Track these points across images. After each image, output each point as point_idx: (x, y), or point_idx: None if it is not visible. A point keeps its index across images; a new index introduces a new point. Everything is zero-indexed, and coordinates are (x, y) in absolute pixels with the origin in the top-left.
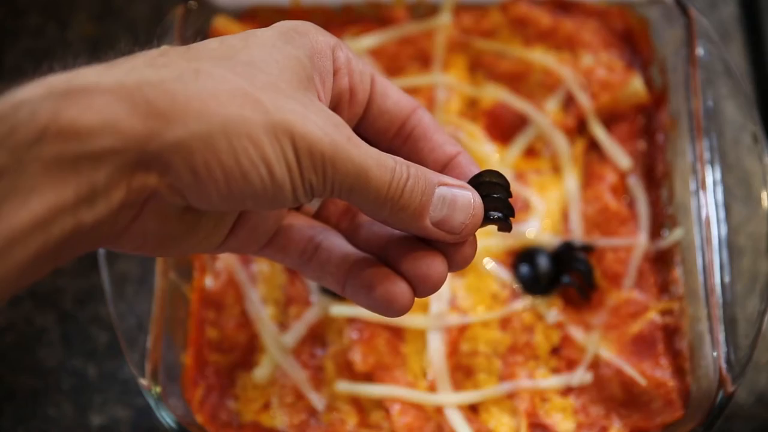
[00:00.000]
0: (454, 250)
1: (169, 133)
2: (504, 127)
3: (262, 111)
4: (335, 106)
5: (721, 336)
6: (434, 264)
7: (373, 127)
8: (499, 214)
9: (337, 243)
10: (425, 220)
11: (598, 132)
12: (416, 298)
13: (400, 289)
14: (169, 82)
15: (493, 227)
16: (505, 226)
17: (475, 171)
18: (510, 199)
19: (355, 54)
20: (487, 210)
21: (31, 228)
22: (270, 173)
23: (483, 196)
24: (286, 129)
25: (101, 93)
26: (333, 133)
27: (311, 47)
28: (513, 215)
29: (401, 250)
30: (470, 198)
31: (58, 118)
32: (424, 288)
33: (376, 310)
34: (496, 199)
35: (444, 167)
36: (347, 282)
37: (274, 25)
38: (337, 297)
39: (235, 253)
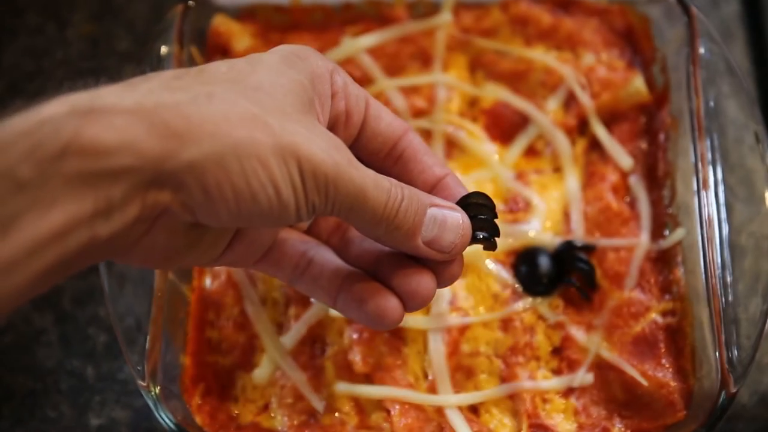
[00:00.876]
0: (443, 267)
1: (184, 153)
2: (504, 126)
3: (271, 133)
4: (332, 127)
5: (723, 336)
6: (423, 281)
7: (366, 148)
8: (485, 234)
9: (329, 258)
10: (417, 240)
11: (600, 131)
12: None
13: (391, 303)
14: (185, 104)
15: (479, 246)
16: (490, 245)
17: (463, 192)
18: (495, 220)
19: (351, 79)
20: (474, 230)
21: (49, 239)
22: (277, 194)
23: (471, 217)
24: (293, 151)
25: (121, 113)
26: (335, 156)
27: (311, 71)
28: (498, 235)
29: (391, 266)
30: (459, 219)
31: (80, 136)
32: (413, 303)
33: (368, 324)
34: (483, 220)
35: (433, 188)
36: (339, 296)
37: (275, 49)
38: None
39: (230, 267)
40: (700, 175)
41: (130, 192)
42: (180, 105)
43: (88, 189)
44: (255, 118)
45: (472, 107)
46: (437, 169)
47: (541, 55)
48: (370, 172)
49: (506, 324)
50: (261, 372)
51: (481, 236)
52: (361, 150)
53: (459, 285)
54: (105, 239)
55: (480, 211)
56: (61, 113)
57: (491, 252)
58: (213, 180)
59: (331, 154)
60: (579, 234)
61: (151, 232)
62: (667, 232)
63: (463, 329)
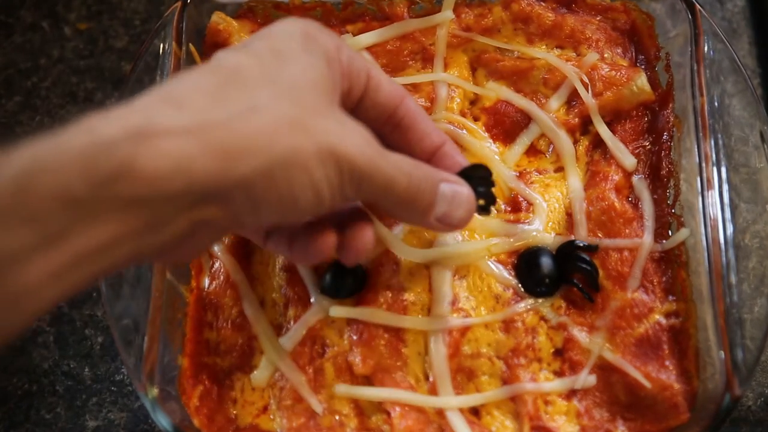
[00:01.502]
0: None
1: (235, 171)
2: (506, 125)
3: (312, 138)
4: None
5: (727, 338)
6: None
7: (363, 117)
8: (484, 204)
9: None
10: (430, 216)
11: (603, 130)
12: (419, 303)
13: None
14: (235, 120)
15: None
16: (486, 213)
17: (461, 160)
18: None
19: (354, 52)
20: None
21: (96, 252)
22: (317, 195)
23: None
24: (332, 152)
25: (176, 136)
26: (368, 151)
27: (325, 53)
28: (494, 203)
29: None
30: (467, 194)
31: (134, 162)
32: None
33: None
34: (483, 192)
35: (431, 156)
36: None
37: (286, 28)
38: (337, 297)
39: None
40: (704, 175)
41: (179, 210)
42: (231, 122)
43: (139, 209)
44: (297, 124)
45: (473, 106)
46: (435, 137)
47: (544, 53)
48: (395, 158)
49: (508, 325)
50: (260, 373)
51: (481, 205)
52: (358, 118)
53: (460, 286)
54: (148, 251)
55: (480, 183)
56: (117, 136)
57: (492, 251)
58: (261, 192)
59: (363, 149)
60: (581, 234)
61: (192, 238)
62: (670, 233)
63: (464, 330)
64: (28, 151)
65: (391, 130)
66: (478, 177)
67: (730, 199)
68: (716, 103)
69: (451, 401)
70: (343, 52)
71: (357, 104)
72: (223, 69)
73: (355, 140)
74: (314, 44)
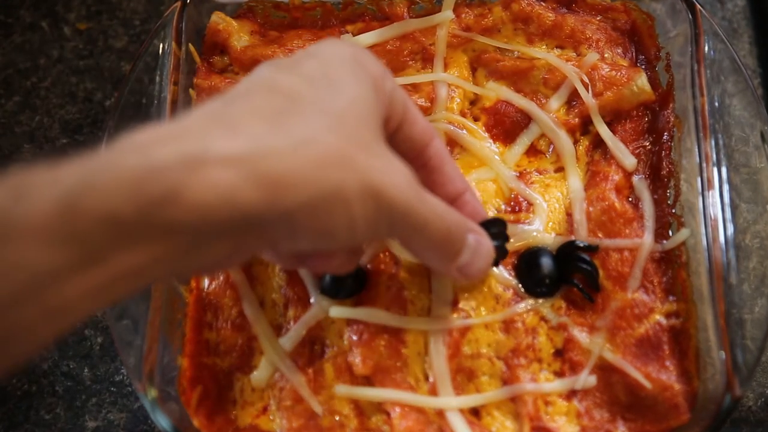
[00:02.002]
0: None
1: (280, 204)
2: (506, 125)
3: (357, 174)
4: None
5: (728, 338)
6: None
7: (398, 148)
8: (494, 259)
9: None
10: (455, 264)
11: (603, 130)
12: (419, 303)
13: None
14: (287, 152)
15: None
16: (494, 265)
17: (481, 210)
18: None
19: (396, 83)
20: None
21: (133, 273)
22: (352, 230)
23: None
24: (374, 191)
25: (226, 166)
26: (407, 192)
27: (373, 82)
28: (504, 258)
29: None
30: (489, 247)
31: (183, 190)
32: None
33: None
34: (496, 246)
35: (453, 202)
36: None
37: (335, 51)
38: (337, 298)
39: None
40: (705, 175)
41: (220, 237)
42: (283, 153)
43: (181, 235)
44: (345, 159)
45: (473, 106)
46: (458, 183)
47: (544, 53)
48: (431, 202)
49: (508, 325)
50: (260, 374)
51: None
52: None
53: (460, 286)
54: (184, 271)
55: (495, 237)
56: (170, 162)
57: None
58: (301, 223)
59: (403, 189)
60: (582, 234)
61: (229, 259)
62: (671, 233)
63: (465, 331)
64: (77, 169)
65: (417, 168)
66: (495, 232)
67: (731, 200)
68: (717, 103)
69: (451, 402)
70: (387, 82)
71: (390, 136)
72: (279, 93)
73: (397, 179)
74: (363, 72)
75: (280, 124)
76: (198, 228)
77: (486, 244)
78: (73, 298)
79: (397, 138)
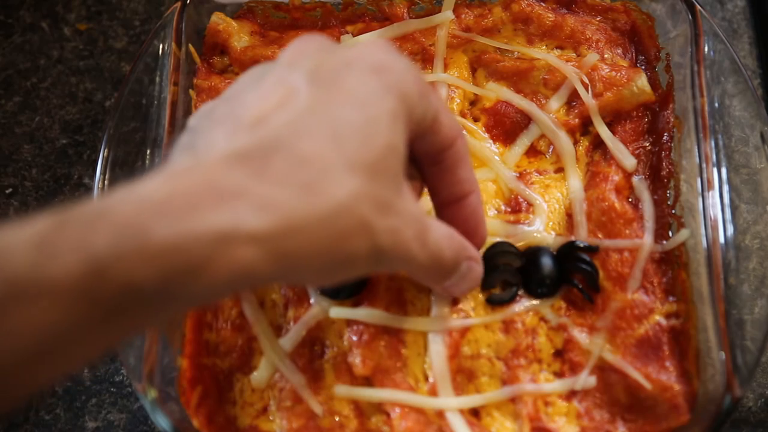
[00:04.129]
0: None
1: (291, 273)
2: (506, 125)
3: (371, 240)
4: None
5: (728, 339)
6: None
7: (416, 150)
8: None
9: None
10: (439, 285)
11: (603, 131)
12: (419, 304)
13: None
14: (313, 230)
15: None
16: (483, 290)
17: (480, 215)
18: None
19: (429, 89)
20: (490, 278)
21: (142, 325)
22: (351, 275)
23: (493, 267)
24: (380, 253)
25: (251, 245)
26: (412, 245)
27: (407, 112)
28: (493, 288)
29: None
30: (478, 273)
31: (206, 265)
32: None
33: None
34: (495, 274)
35: (455, 202)
36: None
37: (363, 62)
38: (337, 299)
39: None
40: (705, 176)
41: (232, 295)
42: (309, 231)
43: (193, 301)
44: (364, 228)
45: (473, 106)
46: (466, 186)
47: (544, 54)
48: (432, 242)
49: (508, 326)
50: (259, 374)
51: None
52: (410, 149)
53: None
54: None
55: (501, 262)
56: (201, 238)
57: None
58: (308, 276)
59: (409, 246)
60: (582, 235)
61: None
62: (671, 234)
63: (464, 331)
64: (109, 230)
65: (429, 164)
66: (502, 264)
67: (731, 200)
68: (716, 104)
69: (451, 402)
70: (422, 100)
71: (411, 143)
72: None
73: (407, 235)
74: (398, 99)
75: (310, 189)
76: (208, 297)
77: (477, 270)
78: (83, 354)
79: (422, 140)
